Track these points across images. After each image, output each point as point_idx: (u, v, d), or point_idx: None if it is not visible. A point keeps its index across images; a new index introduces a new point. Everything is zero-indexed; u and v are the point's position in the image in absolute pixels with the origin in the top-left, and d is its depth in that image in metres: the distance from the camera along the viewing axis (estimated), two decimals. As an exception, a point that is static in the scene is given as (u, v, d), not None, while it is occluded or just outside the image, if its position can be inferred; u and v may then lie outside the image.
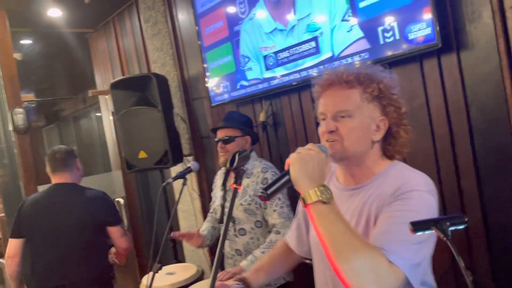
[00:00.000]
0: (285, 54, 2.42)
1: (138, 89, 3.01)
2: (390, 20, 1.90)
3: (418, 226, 0.90)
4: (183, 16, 3.34)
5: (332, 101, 1.22)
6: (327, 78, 1.24)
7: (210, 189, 2.65)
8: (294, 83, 2.41)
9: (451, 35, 1.78)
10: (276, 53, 2.48)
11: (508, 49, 1.64)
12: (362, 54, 2.04)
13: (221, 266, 2.31)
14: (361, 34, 2.03)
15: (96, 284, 2.47)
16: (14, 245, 2.50)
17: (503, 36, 1.64)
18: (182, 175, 2.11)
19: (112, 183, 4.49)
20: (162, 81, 2.99)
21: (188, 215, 3.54)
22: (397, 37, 1.89)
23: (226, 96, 2.89)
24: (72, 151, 2.64)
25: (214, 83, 2.98)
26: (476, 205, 1.80)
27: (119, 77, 3.29)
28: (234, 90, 2.81)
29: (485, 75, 1.72)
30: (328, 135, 1.20)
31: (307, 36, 2.28)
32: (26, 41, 4.86)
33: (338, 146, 1.19)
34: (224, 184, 2.34)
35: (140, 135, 2.96)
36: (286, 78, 2.44)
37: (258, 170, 2.20)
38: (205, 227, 2.41)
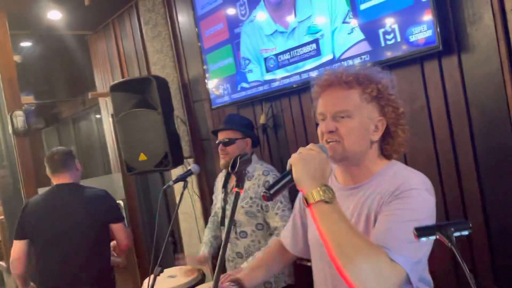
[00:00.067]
0: (286, 56, 2.42)
1: (138, 91, 3.00)
2: (391, 22, 1.91)
3: (422, 232, 0.90)
4: (183, 18, 3.34)
5: (331, 102, 1.23)
6: (327, 78, 1.25)
7: (210, 192, 2.65)
8: (294, 85, 2.40)
9: (452, 37, 1.79)
10: (276, 55, 2.48)
11: (509, 51, 1.64)
12: (363, 57, 2.04)
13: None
14: (362, 36, 2.03)
15: (97, 285, 2.48)
16: (18, 247, 2.51)
17: (504, 38, 1.64)
18: (182, 178, 2.10)
19: (112, 186, 4.48)
20: (162, 83, 2.99)
21: (189, 217, 3.54)
22: (398, 39, 1.89)
23: (226, 98, 2.89)
24: (70, 152, 2.66)
25: (214, 85, 2.98)
26: (478, 207, 1.80)
27: (119, 79, 3.29)
28: (235, 92, 2.81)
29: (486, 77, 1.72)
30: (327, 135, 1.21)
31: (308, 38, 2.28)
32: (25, 44, 4.85)
33: (338, 147, 1.19)
34: (224, 186, 2.33)
35: (140, 138, 2.95)
36: (287, 80, 2.44)
37: (259, 173, 2.20)
38: (206, 239, 2.43)
